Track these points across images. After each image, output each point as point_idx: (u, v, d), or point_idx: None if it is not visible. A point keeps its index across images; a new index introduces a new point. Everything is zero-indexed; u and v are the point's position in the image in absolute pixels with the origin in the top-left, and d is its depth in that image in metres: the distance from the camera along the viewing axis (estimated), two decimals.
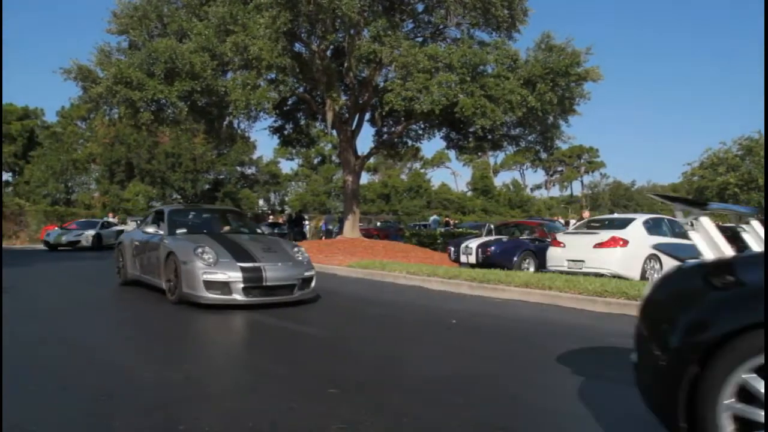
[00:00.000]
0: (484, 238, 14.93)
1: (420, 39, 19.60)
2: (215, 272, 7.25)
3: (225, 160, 46.86)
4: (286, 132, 23.60)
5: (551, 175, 73.14)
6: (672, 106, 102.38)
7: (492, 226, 17.02)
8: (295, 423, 3.25)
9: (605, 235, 11.48)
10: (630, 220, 12.13)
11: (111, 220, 28.92)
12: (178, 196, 45.35)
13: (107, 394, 3.70)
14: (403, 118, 19.99)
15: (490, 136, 19.58)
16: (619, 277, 10.39)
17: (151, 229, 8.76)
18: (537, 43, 17.76)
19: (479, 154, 36.83)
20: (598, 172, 71.66)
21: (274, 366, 4.65)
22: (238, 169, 50.73)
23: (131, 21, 17.71)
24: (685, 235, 12.25)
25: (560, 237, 12.57)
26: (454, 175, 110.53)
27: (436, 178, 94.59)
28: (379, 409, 3.49)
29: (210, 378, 4.26)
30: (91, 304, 8.30)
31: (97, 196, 43.88)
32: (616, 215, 17.11)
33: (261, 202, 54.48)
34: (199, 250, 7.46)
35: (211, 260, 7.36)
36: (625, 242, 11.14)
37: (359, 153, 21.74)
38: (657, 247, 11.38)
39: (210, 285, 7.21)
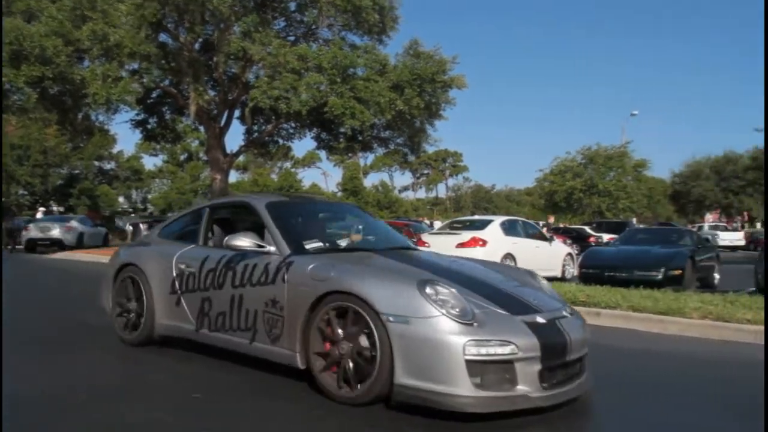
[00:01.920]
0: None
1: (292, 38, 19.52)
2: (487, 340, 3.29)
3: (81, 154, 43.44)
4: (149, 126, 22.44)
5: (418, 178, 75.64)
6: (527, 117, 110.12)
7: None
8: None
9: (466, 235, 12.14)
10: (489, 222, 12.92)
11: None
12: (26, 193, 41.37)
13: None
14: (273, 117, 19.80)
15: (360, 138, 19.96)
16: None
17: (244, 242, 4.24)
18: (406, 49, 18.37)
19: (349, 155, 37.25)
20: (462, 175, 75.26)
21: (137, 372, 4.46)
22: (96, 163, 47.30)
23: None
24: (535, 236, 13.34)
25: (425, 237, 13.09)
26: (324, 176, 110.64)
27: (307, 178, 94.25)
28: (246, 414, 3.48)
29: (64, 389, 4.00)
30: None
31: None
32: (476, 217, 18.13)
33: (121, 199, 51.27)
34: (430, 289, 3.44)
35: (463, 311, 3.37)
36: (485, 242, 11.85)
37: (228, 151, 21.21)
38: None
39: (478, 369, 3.25)
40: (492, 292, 3.83)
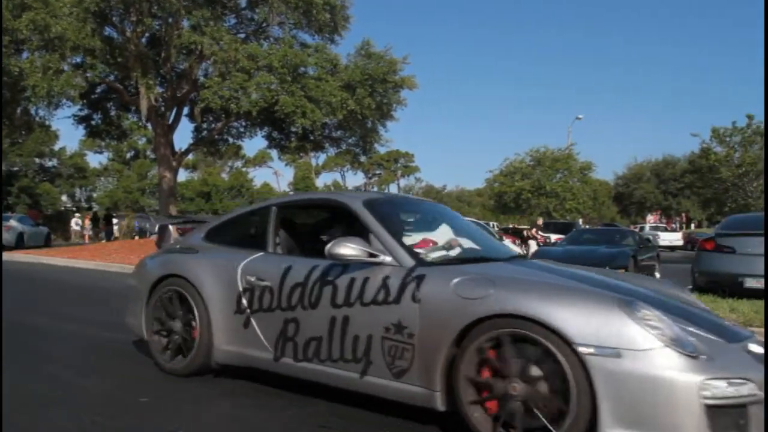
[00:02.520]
0: None
1: (242, 35, 19.26)
2: (725, 378, 2.62)
3: (20, 150, 41.68)
4: (93, 122, 21.75)
5: (370, 178, 75.83)
6: (476, 118, 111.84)
7: None
8: None
9: (417, 237, 12.21)
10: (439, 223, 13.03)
11: None
12: None
13: None
14: (223, 116, 19.50)
15: (311, 137, 19.87)
16: None
17: (353, 250, 3.41)
18: (357, 49, 18.39)
19: (301, 154, 37.01)
20: (413, 176, 75.92)
21: (75, 377, 4.32)
22: (37, 160, 45.49)
23: None
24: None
25: None
26: (276, 175, 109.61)
27: (259, 177, 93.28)
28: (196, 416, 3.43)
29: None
30: None
31: None
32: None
33: (64, 198, 49.48)
34: (640, 312, 2.73)
35: (681, 340, 2.70)
36: (435, 243, 11.95)
37: (177, 149, 20.76)
38: None
39: (713, 416, 2.54)
40: (684, 313, 3.11)
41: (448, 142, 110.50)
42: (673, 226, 44.44)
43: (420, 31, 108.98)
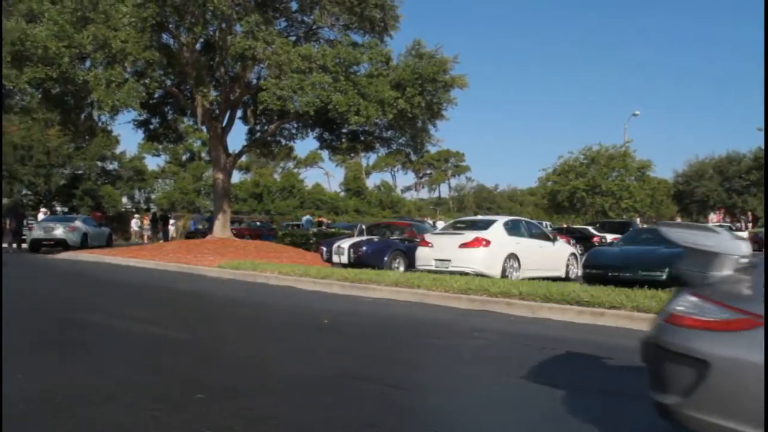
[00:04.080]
0: (356, 239, 15.12)
1: (293, 38, 19.47)
2: None
3: (84, 154, 43.38)
4: (152, 126, 22.37)
5: (420, 178, 75.67)
6: (529, 115, 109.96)
7: (364, 227, 17.28)
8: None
9: (470, 235, 12.08)
10: (492, 222, 12.86)
11: None
12: (29, 193, 41.37)
13: None
14: (276, 117, 19.73)
15: (362, 138, 19.86)
16: (482, 275, 10.96)
17: None
18: (408, 49, 18.30)
19: (352, 155, 37.21)
20: (464, 175, 75.32)
21: (134, 373, 4.43)
22: (99, 164, 47.24)
23: None
24: (539, 236, 13.27)
25: (428, 237, 13.04)
26: (327, 176, 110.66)
27: (310, 178, 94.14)
28: (247, 414, 3.46)
29: (63, 388, 3.97)
30: None
31: None
32: (479, 217, 18.06)
33: (125, 199, 51.22)
34: None
35: None
36: (488, 242, 11.79)
37: (230, 151, 21.16)
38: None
39: None
40: None
41: (500, 141, 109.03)
42: (738, 225, 42.56)
43: (470, 25, 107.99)
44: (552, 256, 13.08)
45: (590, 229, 24.49)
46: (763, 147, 28.19)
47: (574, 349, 5.68)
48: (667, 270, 9.91)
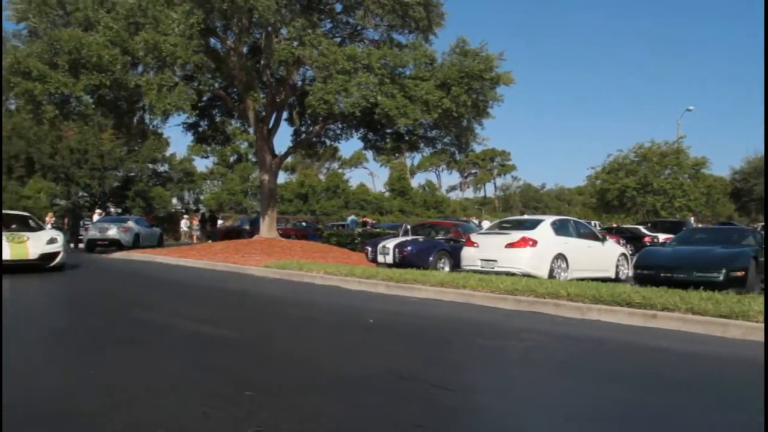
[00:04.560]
0: (401, 239, 15.13)
1: (338, 39, 19.61)
2: None
3: (136, 157, 44.80)
4: (200, 129, 22.91)
5: (466, 177, 75.11)
6: (576, 112, 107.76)
7: (408, 227, 17.28)
8: (209, 428, 3.19)
9: (516, 235, 11.92)
10: (539, 222, 12.66)
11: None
12: (85, 194, 42.98)
13: (6, 405, 3.49)
14: (321, 118, 19.93)
15: (407, 138, 19.85)
16: (529, 275, 10.80)
17: None
18: (452, 48, 18.18)
19: (396, 155, 37.28)
20: (510, 174, 74.32)
21: (185, 370, 4.53)
22: (150, 166, 48.68)
23: (29, 7, 16.58)
24: (588, 236, 13.00)
25: (474, 237, 12.94)
26: (371, 176, 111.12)
27: (354, 178, 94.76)
28: (296, 411, 3.49)
29: (119, 383, 4.09)
30: None
31: None
32: (526, 216, 17.80)
33: (174, 200, 52.62)
34: None
35: None
36: (535, 242, 11.62)
37: (276, 152, 21.47)
38: None
39: None
40: None
41: (547, 140, 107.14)
42: None
43: (515, 20, 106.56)
44: (601, 257, 12.79)
45: (641, 228, 23.82)
46: None
47: (624, 352, 5.54)
48: (724, 271, 9.56)
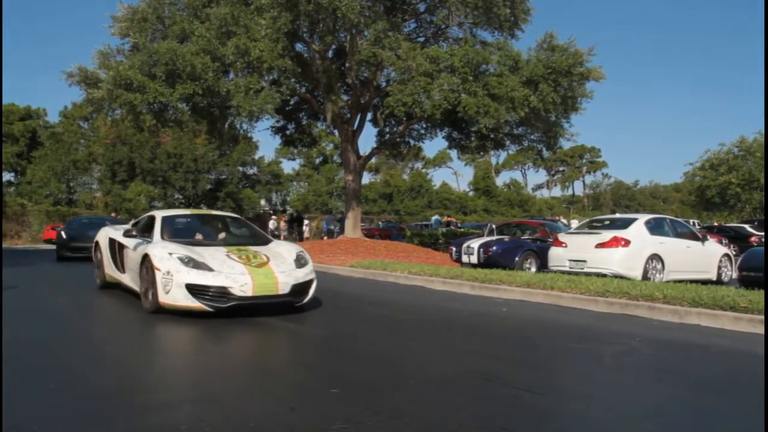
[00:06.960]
0: (486, 239, 14.91)
1: (422, 39, 19.62)
2: None
3: (227, 161, 46.90)
4: (288, 132, 23.60)
5: (553, 175, 73.05)
6: (672, 107, 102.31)
7: (494, 226, 17.00)
8: (297, 423, 3.25)
9: (607, 235, 11.45)
10: (632, 220, 12.09)
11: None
12: (180, 196, 45.43)
13: (109, 395, 3.72)
14: (404, 119, 20.03)
15: (492, 136, 19.56)
16: (621, 277, 10.36)
17: None
18: (539, 43, 17.75)
19: (481, 153, 36.80)
20: (600, 172, 71.58)
21: (274, 366, 4.66)
22: (240, 169, 50.77)
23: (131, 24, 17.70)
24: (686, 235, 12.28)
25: (562, 237, 12.54)
26: (455, 175, 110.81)
27: (438, 177, 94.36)
28: (380, 409, 3.50)
29: (211, 379, 4.27)
30: None
31: (99, 195, 43.95)
32: (618, 215, 17.08)
33: (263, 202, 54.58)
34: None
35: None
36: (627, 242, 11.11)
37: (361, 153, 21.74)
38: None
39: None
40: None
41: (640, 135, 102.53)
42: None
43: (609, 11, 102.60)
44: (701, 257, 12.05)
45: (747, 227, 22.25)
46: None
47: (728, 360, 5.18)
48: None
